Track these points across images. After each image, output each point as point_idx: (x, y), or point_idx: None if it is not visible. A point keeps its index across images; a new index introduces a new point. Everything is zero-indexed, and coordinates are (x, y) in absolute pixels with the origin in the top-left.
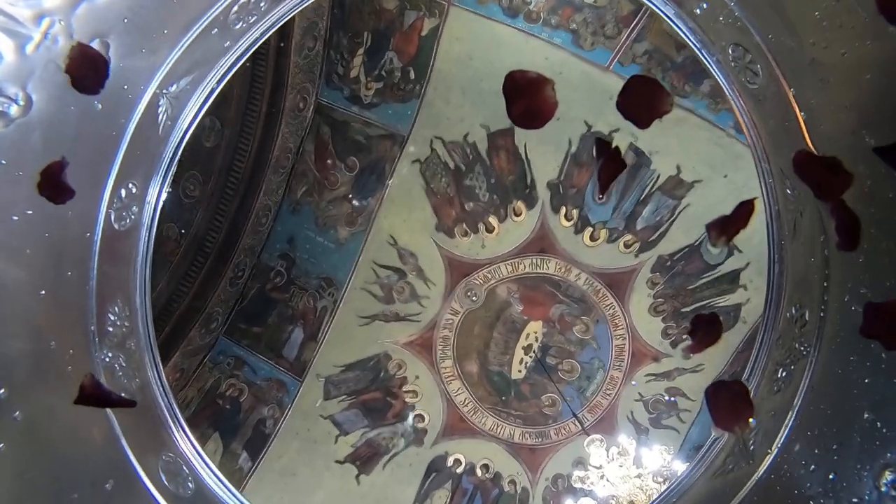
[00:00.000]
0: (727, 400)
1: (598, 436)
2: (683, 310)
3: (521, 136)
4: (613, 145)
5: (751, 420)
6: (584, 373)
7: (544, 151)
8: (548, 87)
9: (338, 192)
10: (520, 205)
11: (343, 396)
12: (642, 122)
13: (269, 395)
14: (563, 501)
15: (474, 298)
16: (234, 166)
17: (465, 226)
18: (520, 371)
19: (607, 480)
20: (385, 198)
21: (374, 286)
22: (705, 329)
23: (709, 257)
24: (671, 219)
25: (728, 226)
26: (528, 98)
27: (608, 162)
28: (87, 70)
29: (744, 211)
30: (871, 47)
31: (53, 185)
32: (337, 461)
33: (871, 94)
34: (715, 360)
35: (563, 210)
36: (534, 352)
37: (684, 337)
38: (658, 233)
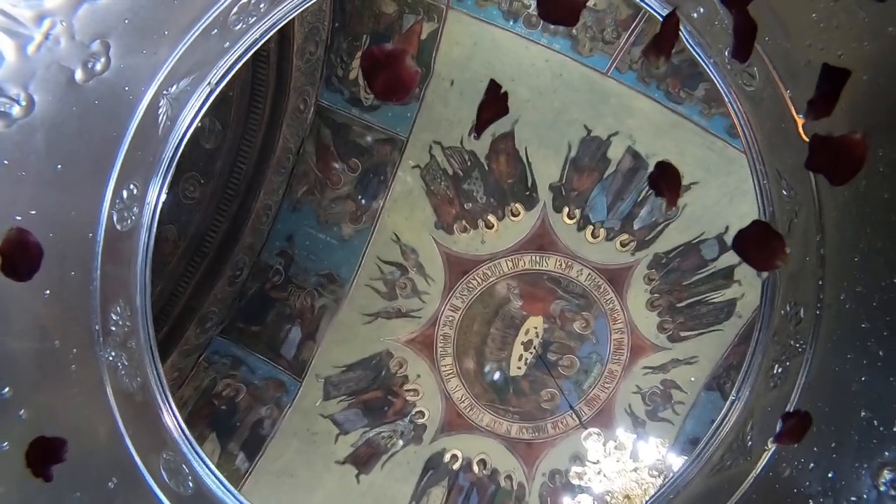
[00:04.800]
0: (755, 242)
1: (595, 429)
2: (678, 304)
3: (522, 139)
4: (503, 90)
5: (787, 249)
6: (582, 367)
7: (545, 155)
8: (406, 58)
9: (341, 192)
10: (517, 206)
11: (343, 396)
12: (569, 19)
13: (268, 394)
14: (560, 498)
15: (469, 289)
16: (236, 167)
17: (464, 222)
18: (519, 368)
19: (604, 476)
20: (388, 198)
21: (378, 282)
22: (664, 180)
23: (705, 253)
24: (667, 219)
25: (660, 44)
26: (387, 70)
27: (493, 101)
28: (20, 256)
29: (670, 24)
30: (869, 48)
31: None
32: (337, 461)
33: (868, 95)
34: (710, 353)
35: (566, 209)
36: (534, 348)
37: (682, 334)
38: (654, 232)
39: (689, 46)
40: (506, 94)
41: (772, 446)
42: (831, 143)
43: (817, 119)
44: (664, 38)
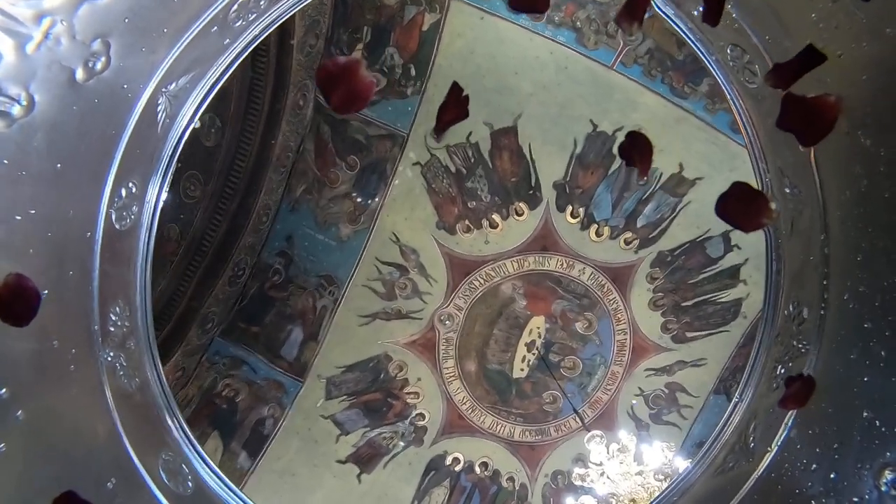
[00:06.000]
0: (737, 205)
1: (598, 432)
2: (684, 304)
3: (525, 135)
4: (465, 93)
5: (771, 205)
6: (585, 369)
7: (549, 152)
8: (361, 69)
9: (339, 191)
10: (521, 205)
11: (344, 396)
12: (539, 6)
13: (269, 394)
14: (563, 499)
15: (447, 322)
16: (236, 165)
17: (467, 222)
18: (522, 370)
19: (608, 478)
20: (387, 197)
21: (377, 282)
22: (636, 150)
23: (711, 251)
24: (672, 216)
25: (633, 9)
26: (344, 83)
27: (453, 104)
28: (17, 301)
29: None
30: (868, 48)
31: None
32: (338, 461)
33: (867, 94)
34: (717, 355)
35: (570, 208)
36: (537, 349)
37: (688, 335)
38: (658, 229)
39: (690, 43)
40: (467, 97)
41: (774, 447)
42: (804, 104)
43: (774, 87)
44: (636, 4)
